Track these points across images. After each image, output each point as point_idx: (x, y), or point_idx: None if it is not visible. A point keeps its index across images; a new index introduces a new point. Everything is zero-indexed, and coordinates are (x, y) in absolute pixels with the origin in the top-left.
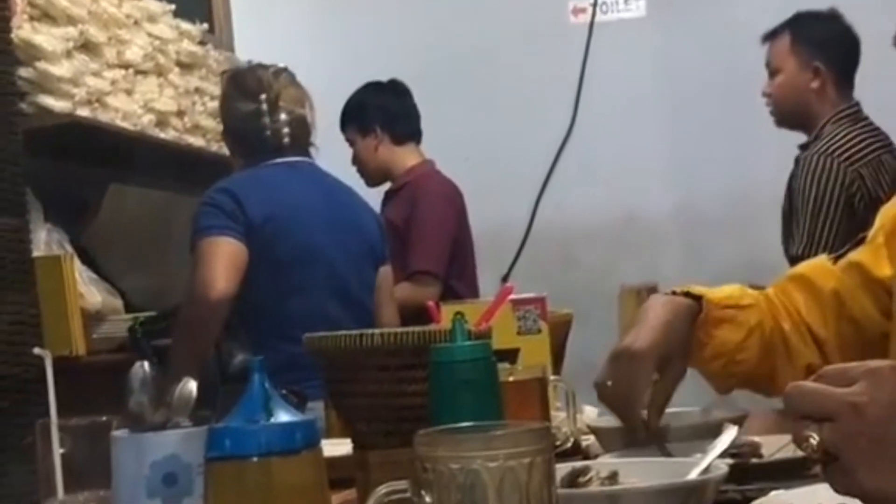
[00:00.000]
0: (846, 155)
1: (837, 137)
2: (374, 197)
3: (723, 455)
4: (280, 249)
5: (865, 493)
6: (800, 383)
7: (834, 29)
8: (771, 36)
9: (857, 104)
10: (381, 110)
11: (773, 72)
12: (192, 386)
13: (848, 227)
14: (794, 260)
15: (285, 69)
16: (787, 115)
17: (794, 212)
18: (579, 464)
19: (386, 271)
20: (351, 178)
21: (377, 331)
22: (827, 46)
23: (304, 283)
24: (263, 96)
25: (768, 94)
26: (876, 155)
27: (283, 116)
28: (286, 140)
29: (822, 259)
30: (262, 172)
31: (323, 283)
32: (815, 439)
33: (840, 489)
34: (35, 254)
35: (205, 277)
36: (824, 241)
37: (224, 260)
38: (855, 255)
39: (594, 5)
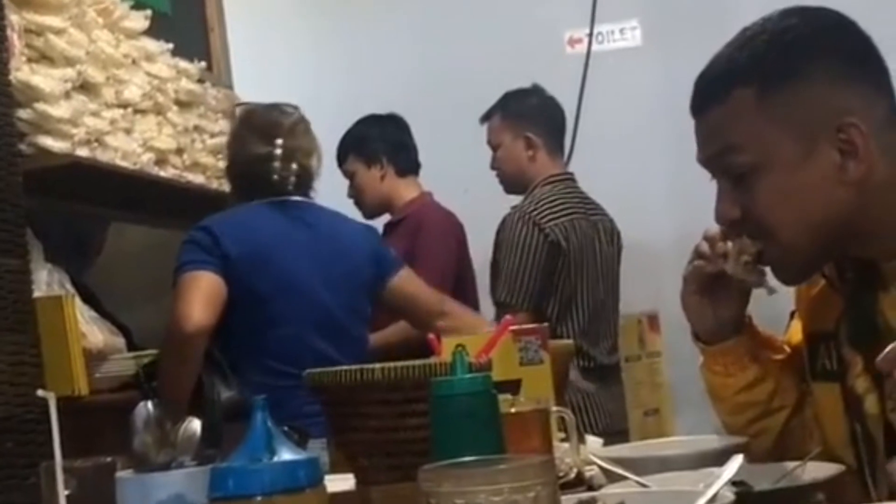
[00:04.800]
0: (542, 214)
1: (538, 199)
2: None
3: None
4: (257, 282)
5: None
6: None
7: (538, 102)
8: (486, 118)
9: (570, 173)
10: (386, 142)
11: (493, 148)
12: (195, 425)
13: (545, 276)
14: (498, 305)
15: (303, 118)
16: (511, 182)
17: (497, 263)
18: (585, 495)
19: (400, 277)
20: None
21: (377, 366)
22: (533, 118)
23: (284, 315)
24: (280, 141)
25: (494, 167)
26: (570, 218)
27: (294, 166)
28: (290, 188)
29: None
30: (245, 210)
31: (305, 315)
32: None
33: None
34: (36, 294)
35: (181, 311)
36: (524, 289)
37: (200, 292)
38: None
39: (590, 35)
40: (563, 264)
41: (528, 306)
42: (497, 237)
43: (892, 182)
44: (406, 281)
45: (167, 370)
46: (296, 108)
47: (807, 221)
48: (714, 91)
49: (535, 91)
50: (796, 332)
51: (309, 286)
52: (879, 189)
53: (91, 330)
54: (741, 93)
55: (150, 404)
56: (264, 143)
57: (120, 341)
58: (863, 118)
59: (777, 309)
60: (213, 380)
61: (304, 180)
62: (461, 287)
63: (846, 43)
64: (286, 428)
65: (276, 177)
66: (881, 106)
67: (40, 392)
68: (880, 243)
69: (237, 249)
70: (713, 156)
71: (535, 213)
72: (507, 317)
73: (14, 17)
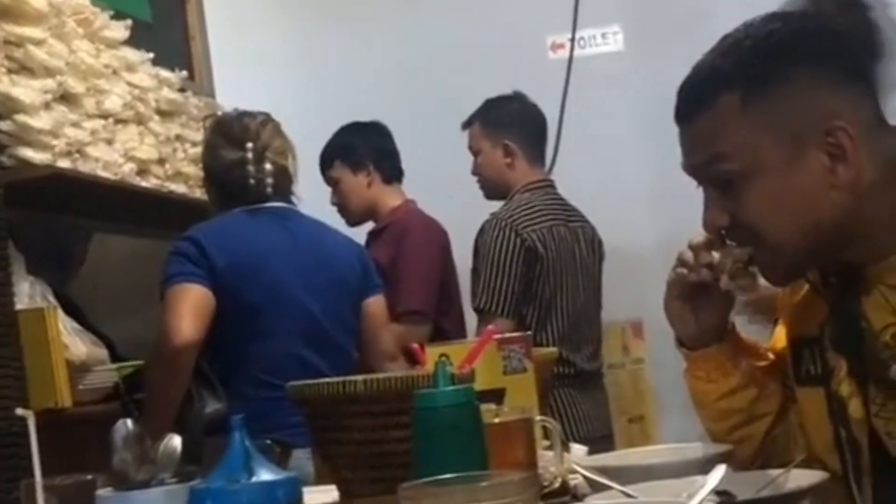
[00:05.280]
0: (520, 221)
1: (516, 205)
2: (355, 237)
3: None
4: (246, 294)
5: None
6: None
7: (518, 109)
8: (466, 125)
9: (549, 180)
10: (371, 149)
11: (474, 154)
12: (175, 442)
13: (523, 283)
14: (478, 311)
15: (271, 118)
16: (491, 189)
17: (476, 270)
18: None
19: (376, 301)
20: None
21: (360, 378)
22: (513, 126)
23: (272, 326)
24: (250, 145)
25: (475, 174)
26: (549, 224)
27: (268, 167)
28: (269, 190)
29: None
30: (229, 219)
31: (292, 326)
32: None
33: None
34: (18, 306)
35: (170, 324)
36: (502, 296)
37: (189, 306)
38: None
39: (572, 40)
40: (542, 271)
41: (507, 313)
42: (476, 244)
43: (881, 184)
44: (379, 308)
45: (156, 384)
46: (265, 113)
47: (797, 225)
48: (699, 98)
49: (516, 98)
50: (780, 339)
51: (296, 297)
52: (869, 192)
53: (74, 341)
54: (726, 99)
55: (129, 422)
56: (236, 149)
57: (103, 353)
58: (850, 121)
59: None
60: (202, 392)
61: (282, 182)
62: (445, 294)
63: (830, 47)
64: (269, 441)
65: (251, 181)
66: (867, 108)
67: (19, 411)
68: (869, 245)
69: (224, 260)
70: (700, 165)
71: (513, 219)
72: (490, 326)
73: None
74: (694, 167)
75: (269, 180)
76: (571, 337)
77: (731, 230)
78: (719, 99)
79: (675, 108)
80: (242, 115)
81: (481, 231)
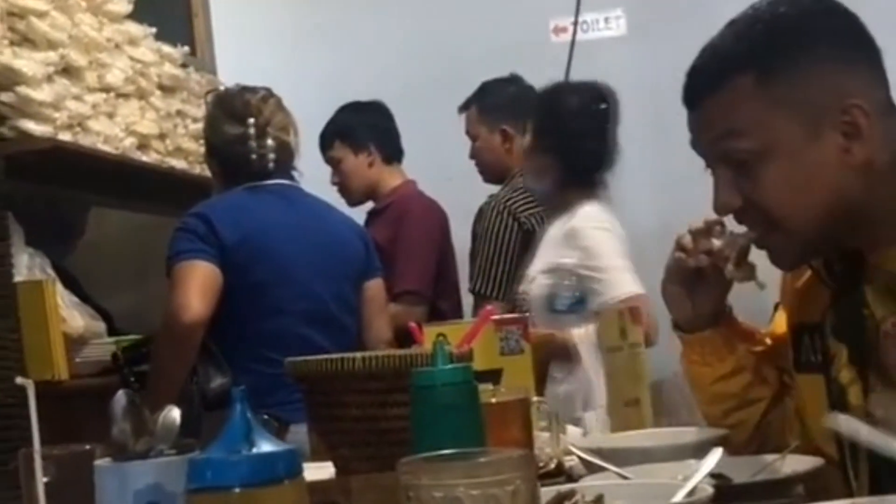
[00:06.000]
0: (517, 204)
1: (514, 189)
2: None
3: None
4: (254, 272)
5: None
6: None
7: (515, 93)
8: (463, 108)
9: None
10: (372, 128)
11: (472, 138)
12: (175, 414)
13: (520, 266)
14: (474, 294)
15: (272, 94)
16: (489, 173)
17: (474, 253)
18: (564, 487)
19: (375, 284)
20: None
21: (358, 354)
22: (510, 110)
23: (279, 304)
24: (252, 120)
25: (473, 157)
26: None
27: (269, 142)
28: (271, 165)
29: None
30: (236, 196)
31: (298, 305)
32: None
33: None
34: (17, 279)
35: (179, 301)
36: (498, 279)
37: (198, 283)
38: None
39: (575, 24)
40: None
41: (503, 297)
42: (474, 227)
43: (891, 170)
44: (378, 291)
45: (162, 360)
46: (267, 89)
47: (812, 207)
48: (710, 80)
49: (513, 81)
50: (780, 324)
51: (302, 276)
52: (879, 176)
53: (71, 314)
54: (739, 80)
55: (129, 392)
56: (238, 124)
57: (100, 326)
58: (865, 99)
59: (760, 302)
60: (207, 368)
61: (284, 157)
62: (443, 275)
63: (840, 27)
64: (266, 416)
65: (254, 156)
66: (879, 88)
67: (19, 380)
68: (875, 233)
69: (234, 237)
70: (713, 140)
71: (511, 202)
72: (489, 307)
73: None
74: (706, 144)
75: (272, 156)
76: None
77: (742, 212)
78: (733, 79)
79: (684, 90)
80: (244, 91)
81: (479, 214)
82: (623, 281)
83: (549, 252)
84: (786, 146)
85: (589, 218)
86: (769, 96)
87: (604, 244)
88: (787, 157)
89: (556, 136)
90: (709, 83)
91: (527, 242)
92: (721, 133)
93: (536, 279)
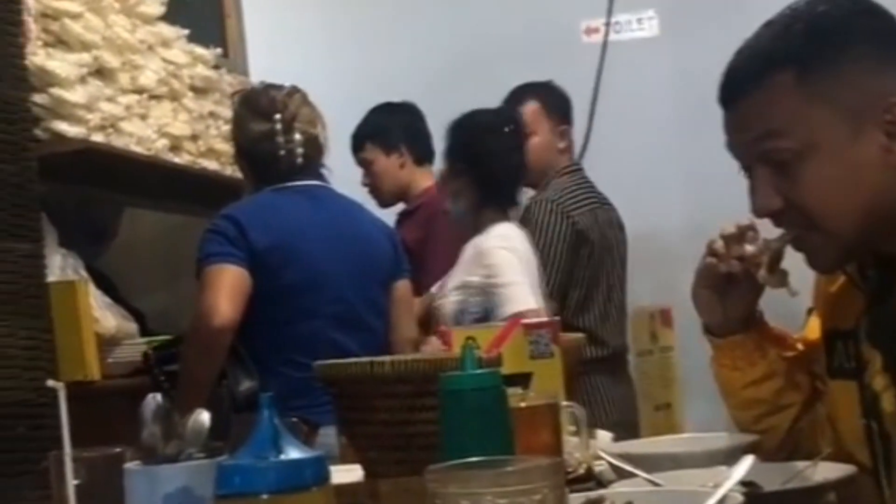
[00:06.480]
0: (567, 203)
1: (560, 189)
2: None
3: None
4: (284, 275)
5: None
6: None
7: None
8: (518, 103)
9: (579, 164)
10: (404, 130)
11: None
12: (204, 417)
13: (568, 265)
14: None
15: (298, 89)
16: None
17: None
18: (594, 494)
19: (403, 285)
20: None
21: (387, 358)
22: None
23: (309, 308)
24: (278, 116)
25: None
26: (590, 207)
27: (297, 136)
28: (300, 160)
29: None
30: (267, 198)
31: (328, 308)
32: None
33: None
34: (50, 279)
35: (208, 304)
36: (549, 277)
37: (227, 286)
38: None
39: (607, 25)
40: (587, 254)
41: (554, 294)
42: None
43: None
44: (405, 293)
45: (191, 364)
46: (292, 85)
47: (854, 207)
48: (748, 78)
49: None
50: (813, 329)
51: (333, 279)
52: None
53: (104, 315)
54: (779, 77)
55: (158, 396)
56: (264, 121)
57: (133, 327)
58: None
59: (793, 306)
60: (235, 371)
61: (312, 152)
62: None
63: (881, 27)
64: (295, 419)
65: (282, 152)
66: None
67: (50, 382)
68: None
69: (265, 241)
70: (751, 141)
71: (561, 202)
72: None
73: (31, 2)
74: (744, 144)
75: (300, 150)
76: (608, 319)
77: (782, 213)
78: (773, 77)
79: (720, 90)
80: (269, 88)
81: (527, 213)
82: (519, 295)
83: (462, 270)
84: (827, 144)
85: (498, 237)
86: (810, 93)
87: (505, 263)
88: (828, 156)
89: (468, 160)
90: (747, 82)
91: (578, 242)
92: (760, 133)
93: (449, 296)
